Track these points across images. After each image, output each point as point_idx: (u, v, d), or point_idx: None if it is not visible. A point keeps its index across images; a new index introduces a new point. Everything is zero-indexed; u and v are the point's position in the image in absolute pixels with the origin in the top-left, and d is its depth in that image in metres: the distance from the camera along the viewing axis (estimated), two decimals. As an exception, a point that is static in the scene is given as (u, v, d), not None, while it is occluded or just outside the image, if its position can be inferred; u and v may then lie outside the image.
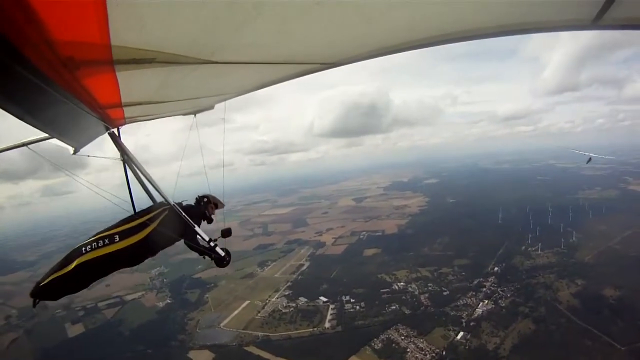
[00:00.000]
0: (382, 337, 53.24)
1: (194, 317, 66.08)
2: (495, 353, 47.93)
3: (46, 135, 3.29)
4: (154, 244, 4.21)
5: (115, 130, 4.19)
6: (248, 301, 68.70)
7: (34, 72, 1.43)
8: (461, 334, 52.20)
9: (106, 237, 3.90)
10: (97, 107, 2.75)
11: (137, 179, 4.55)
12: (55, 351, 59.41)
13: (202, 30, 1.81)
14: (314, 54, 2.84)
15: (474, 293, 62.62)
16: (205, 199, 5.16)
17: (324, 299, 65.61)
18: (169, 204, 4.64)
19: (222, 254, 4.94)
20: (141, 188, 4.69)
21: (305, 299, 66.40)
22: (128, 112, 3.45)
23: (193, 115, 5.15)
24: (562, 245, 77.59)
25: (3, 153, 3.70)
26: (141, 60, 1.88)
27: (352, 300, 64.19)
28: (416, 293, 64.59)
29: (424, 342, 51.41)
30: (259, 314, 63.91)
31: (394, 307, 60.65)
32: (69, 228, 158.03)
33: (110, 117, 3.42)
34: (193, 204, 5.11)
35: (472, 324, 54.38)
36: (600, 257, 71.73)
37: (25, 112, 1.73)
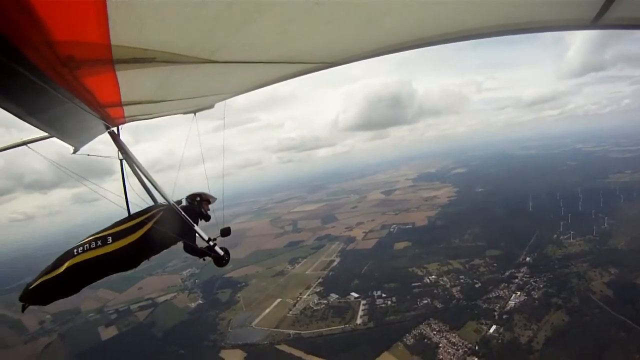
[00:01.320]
0: (414, 332, 52.60)
1: (226, 316, 66.24)
2: (529, 347, 46.61)
3: (46, 134, 3.29)
4: (148, 246, 4.13)
5: (115, 129, 4.19)
6: (279, 299, 68.63)
7: (34, 71, 1.43)
8: (494, 327, 51.12)
9: (99, 238, 3.81)
10: (97, 106, 2.75)
11: (137, 178, 4.53)
12: (89, 354, 59.56)
13: (202, 29, 1.81)
14: (314, 54, 2.84)
15: (506, 284, 61.11)
16: (198, 197, 5.11)
17: (356, 295, 65.09)
18: (168, 203, 4.60)
19: (221, 253, 4.92)
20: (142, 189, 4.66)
21: (337, 296, 66.05)
22: (128, 111, 3.45)
23: (193, 114, 5.15)
24: (594, 232, 74.78)
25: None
26: (141, 59, 1.88)
27: (383, 295, 63.41)
28: (448, 286, 63.30)
29: (456, 336, 50.50)
30: (290, 312, 63.70)
31: (425, 301, 59.66)
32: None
33: (110, 116, 3.42)
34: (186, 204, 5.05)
35: (504, 316, 53.16)
36: (634, 243, 68.26)
37: (25, 111, 1.73)
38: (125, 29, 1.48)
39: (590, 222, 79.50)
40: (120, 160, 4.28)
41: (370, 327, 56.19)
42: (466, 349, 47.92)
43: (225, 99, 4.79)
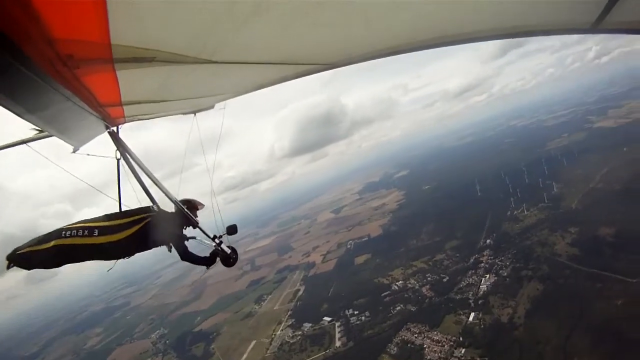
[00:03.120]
0: (395, 340, 52.27)
1: (205, 371, 63.66)
2: (511, 324, 47.22)
3: (46, 133, 3.29)
4: (132, 246, 4.18)
5: (114, 128, 4.18)
6: (254, 341, 66.71)
7: (35, 70, 1.43)
8: (472, 315, 51.50)
9: (87, 228, 3.90)
10: (97, 105, 2.75)
11: (137, 178, 4.52)
12: None
13: (203, 29, 1.81)
14: (314, 55, 2.84)
15: (473, 271, 61.83)
16: (187, 204, 4.98)
17: (328, 319, 64.16)
18: (172, 202, 4.61)
19: (229, 251, 4.86)
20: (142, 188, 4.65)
21: (310, 324, 64.87)
22: (128, 110, 3.45)
23: (193, 115, 5.15)
24: (545, 200, 77.74)
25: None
26: (141, 59, 1.88)
27: (355, 312, 62.90)
28: (417, 287, 63.56)
29: (438, 333, 50.61)
30: (268, 351, 61.96)
31: (399, 308, 59.59)
32: (64, 311, 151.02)
33: (110, 115, 3.42)
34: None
35: (480, 302, 53.69)
36: (586, 200, 72.13)
37: (25, 110, 1.73)
38: (125, 28, 1.48)
39: (540, 191, 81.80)
40: (117, 160, 4.29)
41: (351, 346, 55.61)
42: (451, 343, 47.83)
43: (225, 99, 4.80)
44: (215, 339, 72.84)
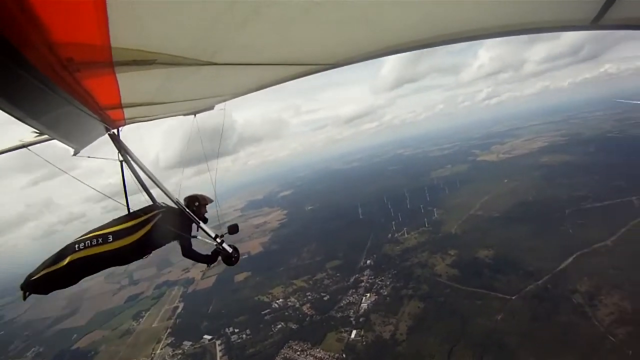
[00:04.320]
0: (278, 358, 51.81)
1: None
2: (394, 340, 48.41)
3: (46, 136, 3.29)
4: (146, 246, 4.21)
5: (115, 131, 4.19)
6: None
7: (35, 73, 1.43)
8: (354, 332, 52.08)
9: (100, 236, 3.90)
10: (97, 108, 2.75)
11: (137, 179, 4.54)
12: None
13: (203, 31, 1.81)
14: (315, 55, 2.84)
15: (354, 290, 63.05)
16: (194, 200, 5.08)
17: (209, 337, 62.29)
18: (174, 202, 4.64)
19: (230, 250, 4.87)
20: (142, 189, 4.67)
21: (190, 342, 62.73)
22: (128, 113, 3.45)
23: (193, 116, 5.15)
24: (426, 224, 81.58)
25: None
26: (141, 62, 1.88)
27: (236, 330, 61.38)
28: (297, 306, 63.33)
29: (321, 351, 50.89)
30: None
31: (280, 326, 58.76)
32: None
33: (110, 118, 3.42)
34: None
35: (361, 319, 54.49)
36: (466, 225, 76.96)
37: (25, 113, 1.73)
38: (125, 31, 1.48)
39: (421, 216, 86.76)
40: (120, 162, 4.32)
41: (233, 365, 54.35)
42: (335, 360, 48.93)
43: (225, 100, 4.81)
44: (93, 359, 68.57)
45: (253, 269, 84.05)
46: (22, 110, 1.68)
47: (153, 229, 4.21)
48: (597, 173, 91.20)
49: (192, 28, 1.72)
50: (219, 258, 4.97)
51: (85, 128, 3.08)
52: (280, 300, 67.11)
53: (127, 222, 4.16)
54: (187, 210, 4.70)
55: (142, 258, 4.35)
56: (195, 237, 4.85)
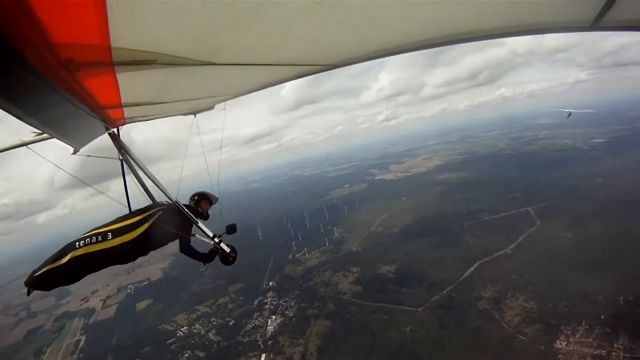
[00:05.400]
0: None
1: None
2: None
3: (46, 135, 3.30)
4: (146, 244, 4.22)
5: (114, 130, 4.20)
6: None
7: (35, 73, 1.43)
8: (263, 356, 51.40)
9: (99, 234, 3.94)
10: (97, 107, 2.75)
11: (137, 178, 4.55)
12: None
13: (202, 31, 1.81)
14: (315, 56, 2.83)
15: (259, 313, 62.21)
16: (197, 197, 5.14)
17: None
18: (172, 201, 4.65)
19: (228, 249, 4.86)
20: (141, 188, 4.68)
21: None
22: (128, 112, 3.46)
23: (193, 116, 5.16)
24: (327, 243, 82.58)
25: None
26: (141, 61, 1.88)
27: None
28: (203, 333, 61.69)
29: None
30: None
31: (187, 355, 56.76)
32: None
33: (110, 117, 3.42)
34: (187, 203, 5.09)
35: (269, 342, 53.90)
36: (366, 242, 78.61)
37: (25, 112, 1.73)
38: (125, 31, 1.48)
39: (322, 236, 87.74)
40: (120, 160, 4.33)
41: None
42: (247, 386, 47.94)
43: (225, 100, 4.81)
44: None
45: (155, 296, 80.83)
46: (22, 109, 1.68)
47: (152, 228, 4.22)
48: (493, 187, 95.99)
49: (192, 28, 1.72)
50: (216, 257, 4.96)
51: (85, 127, 3.08)
52: (185, 327, 64.73)
53: (126, 220, 4.18)
54: (186, 209, 4.69)
55: (142, 256, 4.36)
56: (194, 235, 4.84)
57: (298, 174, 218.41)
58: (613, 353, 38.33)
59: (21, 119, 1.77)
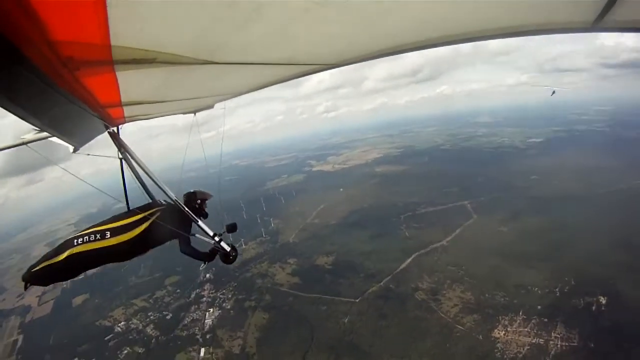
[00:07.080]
0: None
1: None
2: (244, 353, 48.19)
3: (46, 134, 3.30)
4: (144, 243, 4.22)
5: (114, 128, 4.20)
6: None
7: (35, 72, 1.43)
8: (203, 350, 50.70)
9: (98, 232, 3.95)
10: (97, 106, 2.75)
11: (136, 177, 4.55)
12: None
13: (203, 30, 1.80)
14: (315, 55, 2.83)
15: (196, 306, 61.60)
16: (194, 196, 5.13)
17: None
18: (172, 200, 4.65)
19: (228, 248, 4.85)
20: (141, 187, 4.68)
21: None
22: (128, 111, 3.46)
23: (193, 114, 5.16)
24: (264, 234, 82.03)
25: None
26: (141, 60, 1.88)
27: None
28: (141, 327, 60.12)
29: None
30: None
31: (126, 351, 55.24)
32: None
33: (110, 116, 3.42)
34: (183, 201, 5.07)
35: (208, 336, 53.44)
36: (303, 234, 78.83)
37: (25, 111, 1.73)
38: (125, 30, 1.48)
39: (258, 226, 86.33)
40: (120, 159, 4.33)
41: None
42: (184, 382, 46.96)
43: (225, 99, 4.81)
44: None
45: (91, 290, 78.12)
46: (22, 108, 1.68)
47: (151, 227, 4.21)
48: (431, 181, 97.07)
49: (192, 27, 1.72)
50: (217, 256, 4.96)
51: (85, 126, 3.08)
52: (123, 323, 63.23)
53: (125, 219, 4.18)
54: (186, 208, 4.69)
55: (141, 255, 4.37)
56: (194, 235, 4.84)
57: (236, 163, 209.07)
58: (551, 342, 39.29)
59: (21, 118, 1.77)
